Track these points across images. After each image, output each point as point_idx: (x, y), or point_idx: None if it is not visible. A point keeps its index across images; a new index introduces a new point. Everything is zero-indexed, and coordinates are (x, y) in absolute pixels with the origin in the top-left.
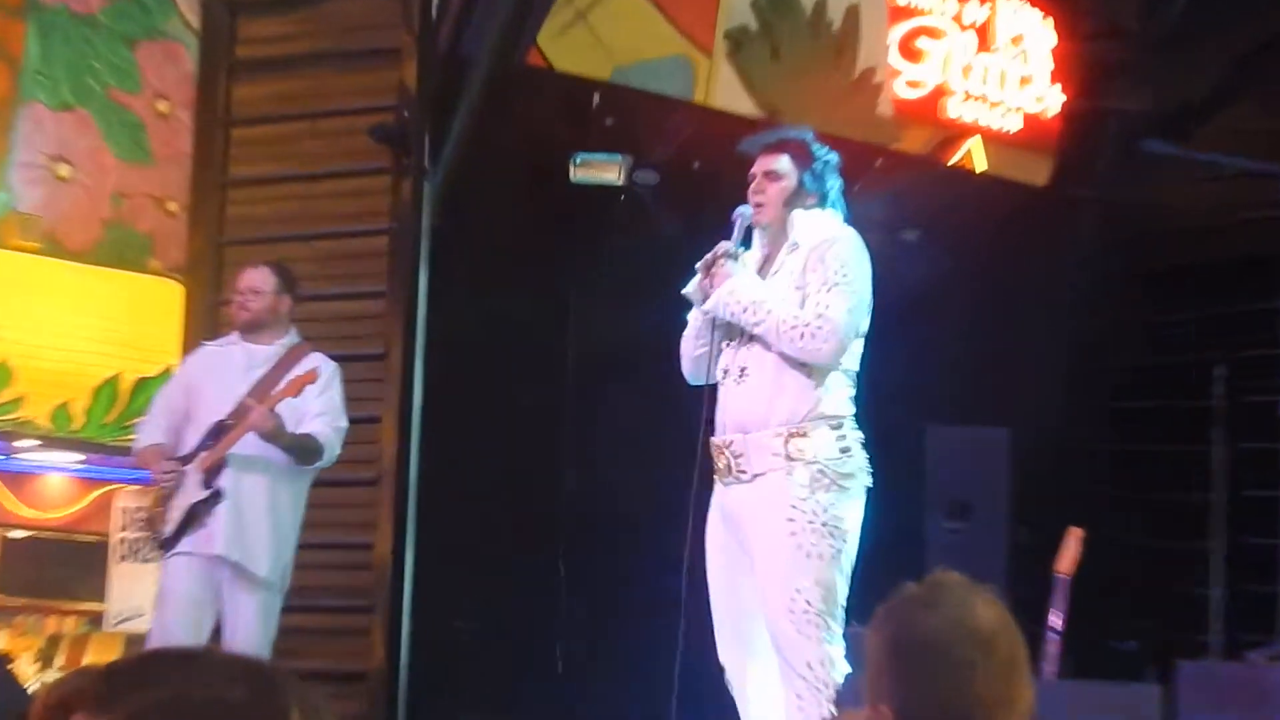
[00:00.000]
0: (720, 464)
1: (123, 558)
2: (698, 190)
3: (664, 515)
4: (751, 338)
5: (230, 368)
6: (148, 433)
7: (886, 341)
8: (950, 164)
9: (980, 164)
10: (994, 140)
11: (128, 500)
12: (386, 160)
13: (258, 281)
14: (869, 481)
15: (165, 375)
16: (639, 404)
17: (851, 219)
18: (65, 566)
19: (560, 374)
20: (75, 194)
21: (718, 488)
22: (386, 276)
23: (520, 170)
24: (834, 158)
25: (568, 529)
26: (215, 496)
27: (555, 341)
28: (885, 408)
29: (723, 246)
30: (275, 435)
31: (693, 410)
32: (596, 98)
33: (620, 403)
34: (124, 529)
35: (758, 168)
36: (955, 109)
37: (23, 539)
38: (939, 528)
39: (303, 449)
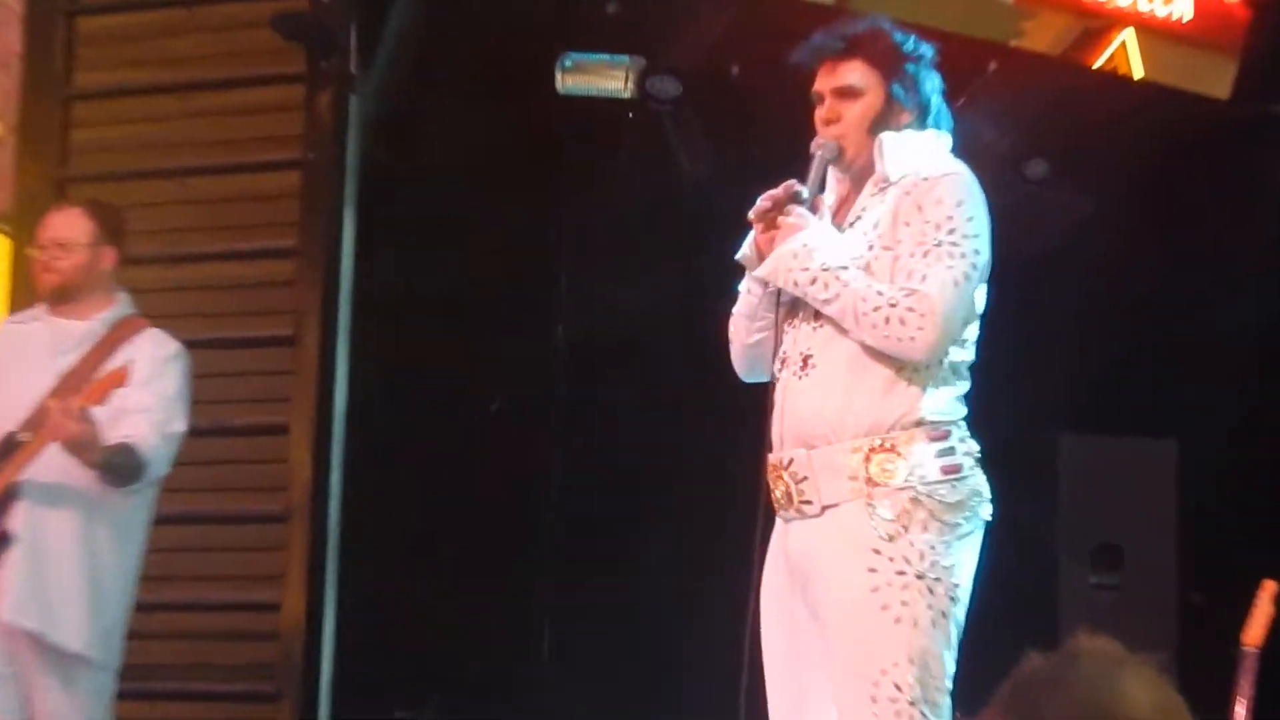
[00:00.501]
0: (778, 491)
1: None
2: (736, 106)
3: (687, 562)
4: (819, 314)
5: (30, 354)
6: None
7: (1001, 318)
8: (1094, 67)
9: (1136, 68)
10: (1155, 34)
11: None
12: (297, 64)
13: (66, 229)
14: (988, 514)
15: None
16: (652, 407)
17: (957, 145)
18: None
19: (543, 365)
20: None
21: (778, 525)
22: (298, 229)
23: (486, 77)
24: (928, 51)
25: (551, 580)
26: (3, 542)
27: (536, 320)
28: (999, 410)
29: (789, 186)
30: (83, 447)
31: (732, 417)
32: None
33: (625, 405)
34: None
35: (823, 84)
36: None
37: None
38: (1078, 579)
39: (117, 468)
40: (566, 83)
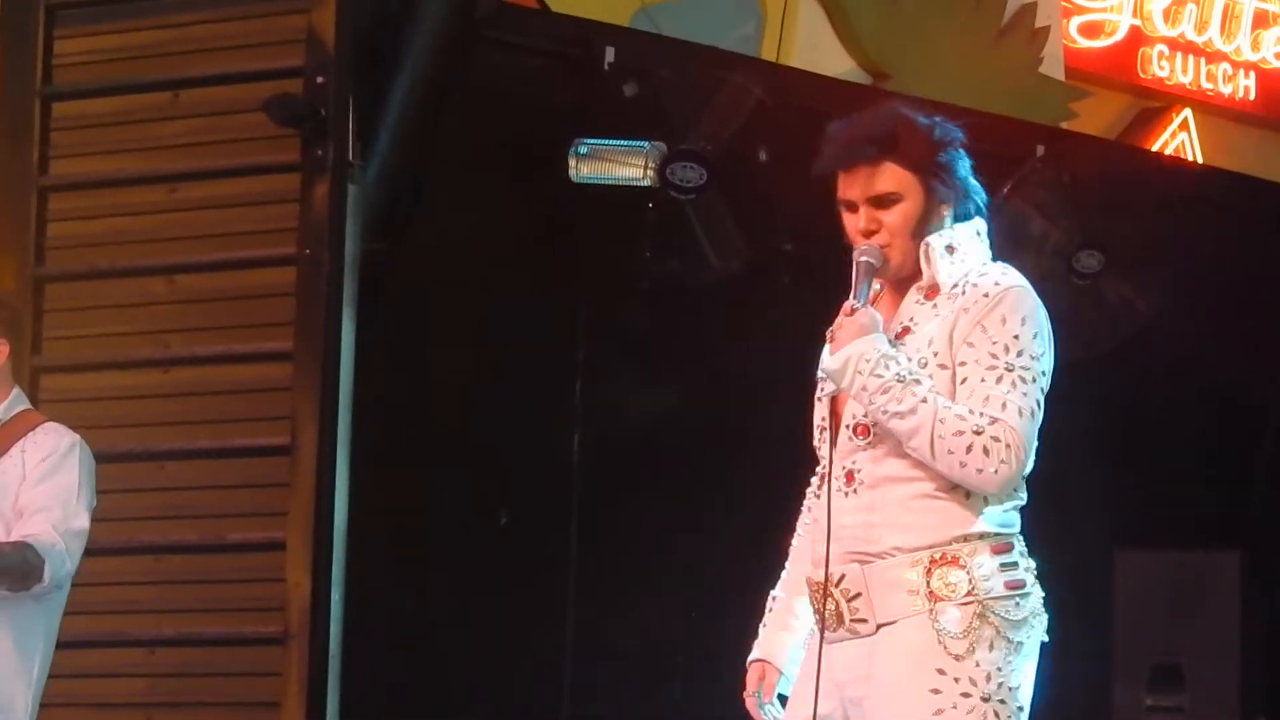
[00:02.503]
0: (827, 610)
1: None
2: (766, 194)
3: (705, 665)
4: (859, 428)
5: None
6: None
7: (1051, 422)
8: (1152, 150)
9: (1195, 149)
10: (1217, 114)
11: None
12: (291, 151)
13: None
14: (1044, 632)
15: None
16: (685, 526)
17: (1003, 236)
18: None
19: (561, 481)
20: None
21: (812, 648)
22: (294, 329)
23: (495, 165)
24: (958, 134)
25: (569, 707)
26: None
27: (553, 430)
28: (1051, 521)
29: (848, 305)
30: None
31: (758, 525)
32: (611, 53)
33: (647, 515)
34: None
35: (852, 191)
36: (1158, 65)
37: None
38: (1134, 701)
39: (11, 569)
40: (581, 171)
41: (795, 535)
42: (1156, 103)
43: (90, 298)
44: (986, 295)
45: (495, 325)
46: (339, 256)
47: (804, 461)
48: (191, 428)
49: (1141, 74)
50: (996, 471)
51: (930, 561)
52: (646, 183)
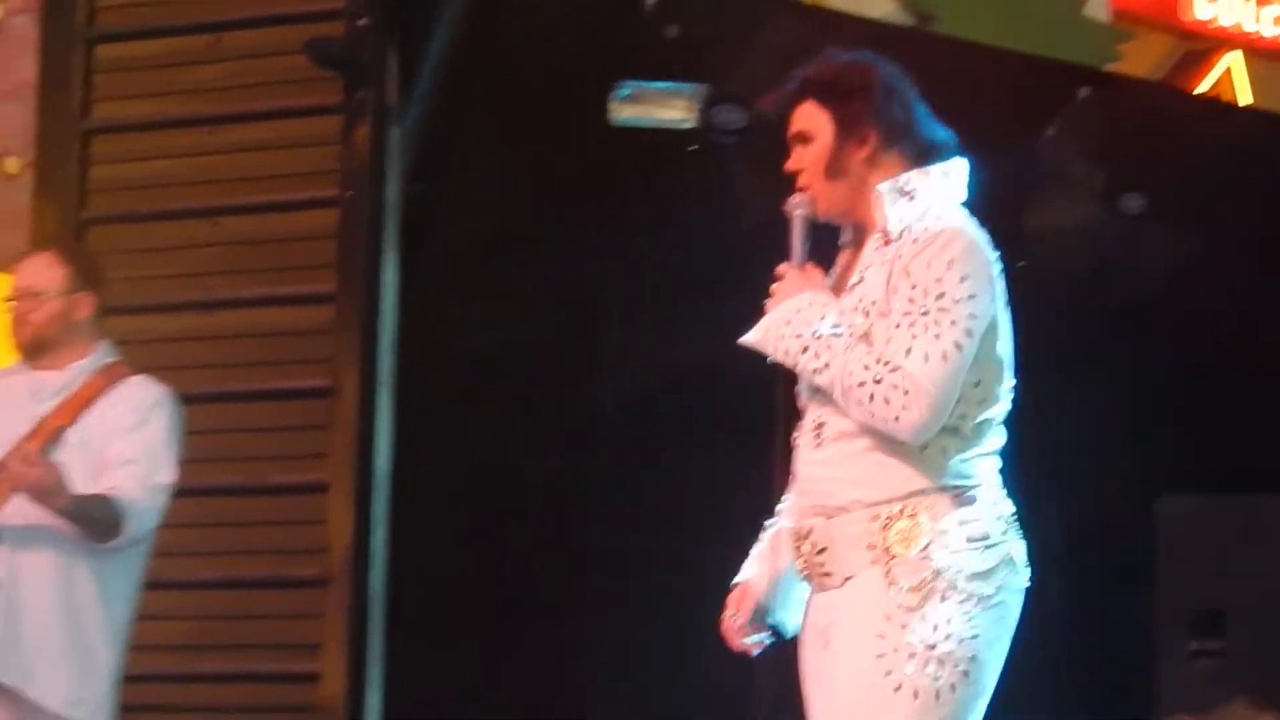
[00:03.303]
0: (800, 563)
1: None
2: None
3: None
4: None
5: (9, 406)
6: None
7: (1092, 367)
8: (1196, 93)
9: (1243, 93)
10: (1264, 56)
11: None
12: (332, 94)
13: (37, 277)
14: (1024, 582)
15: None
16: (708, 469)
17: (1036, 177)
18: None
19: (590, 422)
20: None
21: (808, 593)
22: (335, 272)
23: (535, 107)
24: (885, 66)
25: (605, 651)
26: None
27: (584, 372)
28: (1088, 468)
29: (779, 269)
30: (47, 494)
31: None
32: None
33: (677, 469)
34: None
35: (788, 132)
36: (1203, 7)
37: None
38: (1178, 649)
39: (91, 520)
40: (623, 113)
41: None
42: (1202, 45)
43: (132, 241)
44: (916, 240)
45: (535, 267)
46: (380, 199)
47: None
48: (233, 370)
49: (1187, 16)
50: (899, 419)
51: (888, 516)
52: (689, 125)
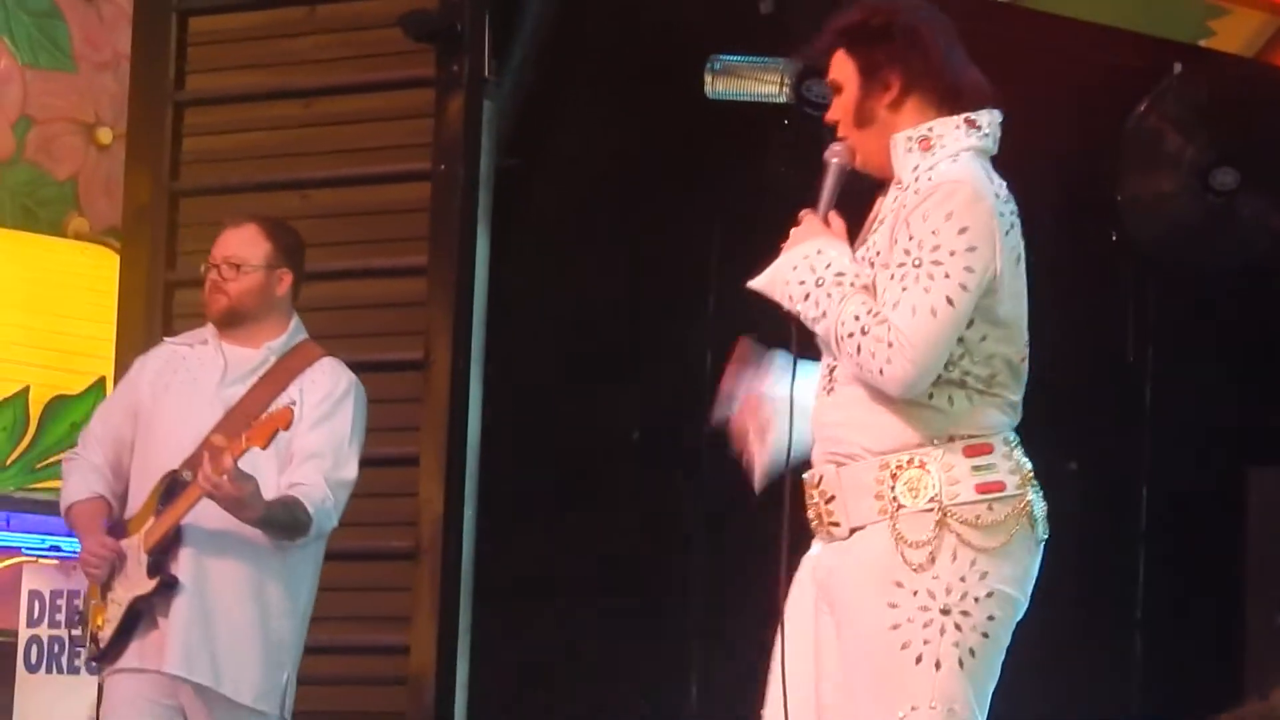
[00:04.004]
0: (811, 512)
1: (35, 667)
2: None
3: None
4: None
5: (198, 381)
6: (79, 477)
7: (1183, 337)
8: None
9: None
10: None
11: (41, 580)
12: (426, 67)
13: (239, 248)
14: (1042, 534)
15: (97, 391)
16: None
17: (1129, 153)
18: None
19: (694, 398)
20: None
21: (814, 546)
22: (428, 245)
23: (630, 81)
24: (907, 13)
25: (696, 618)
26: (167, 587)
27: (689, 342)
28: (1177, 440)
29: (802, 214)
30: (239, 506)
31: None
32: None
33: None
34: (37, 623)
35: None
36: None
37: None
38: (1268, 623)
39: (280, 525)
40: (716, 87)
41: None
42: None
43: (224, 213)
44: (917, 191)
45: (629, 241)
46: (473, 172)
47: None
48: (325, 342)
49: None
50: (883, 372)
51: (897, 465)
52: (782, 99)
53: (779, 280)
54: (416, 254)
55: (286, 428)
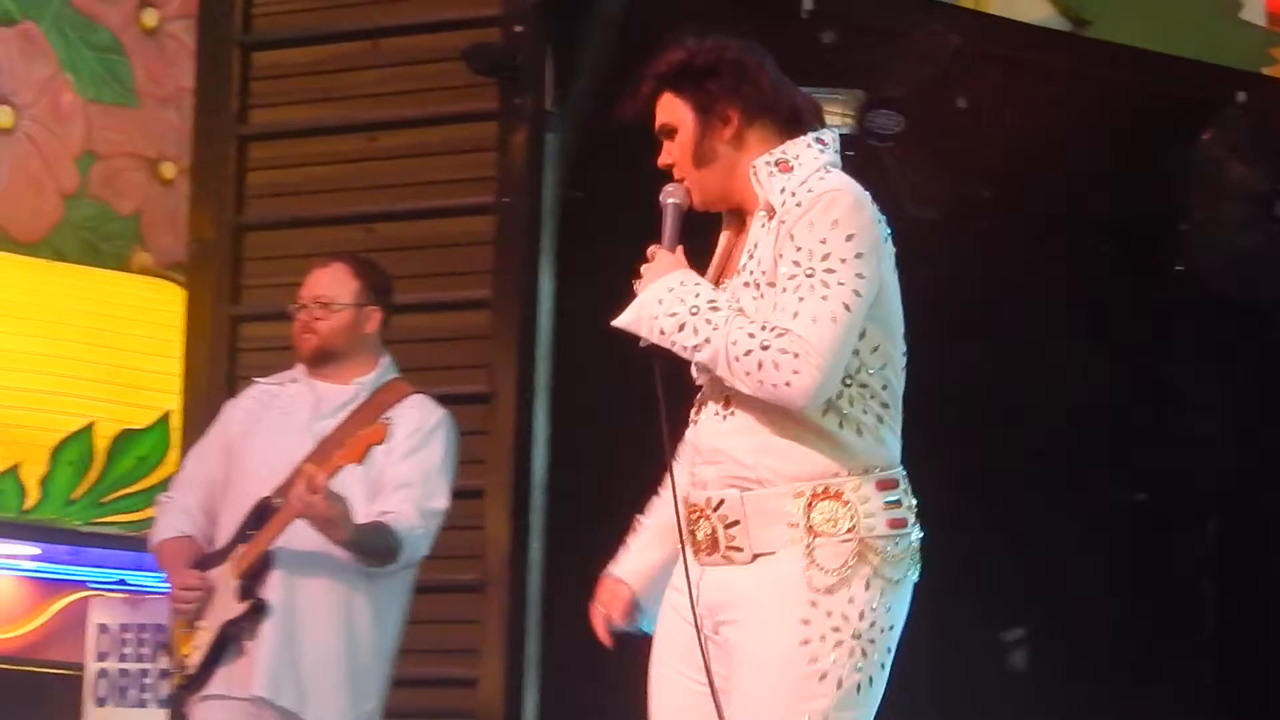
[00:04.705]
0: (700, 534)
1: (103, 700)
2: (964, 142)
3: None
4: None
5: (289, 419)
6: (169, 519)
7: (1248, 367)
8: None
9: None
10: None
11: (108, 613)
12: (489, 100)
13: (328, 287)
14: (917, 574)
15: (162, 426)
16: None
17: (1192, 181)
18: (14, 712)
19: None
20: (20, 153)
21: (684, 567)
22: (491, 278)
23: None
24: (736, 48)
25: None
26: (257, 611)
27: None
28: (1243, 468)
29: (650, 250)
30: (330, 524)
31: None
32: (809, 0)
33: None
34: (105, 657)
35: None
36: None
37: None
38: None
39: (370, 549)
40: None
41: (676, 459)
42: None
43: (289, 247)
44: (800, 204)
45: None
46: (537, 205)
47: (996, 411)
48: None
49: None
50: (790, 384)
51: (812, 494)
52: (845, 130)
53: (645, 316)
54: (480, 287)
55: (380, 442)
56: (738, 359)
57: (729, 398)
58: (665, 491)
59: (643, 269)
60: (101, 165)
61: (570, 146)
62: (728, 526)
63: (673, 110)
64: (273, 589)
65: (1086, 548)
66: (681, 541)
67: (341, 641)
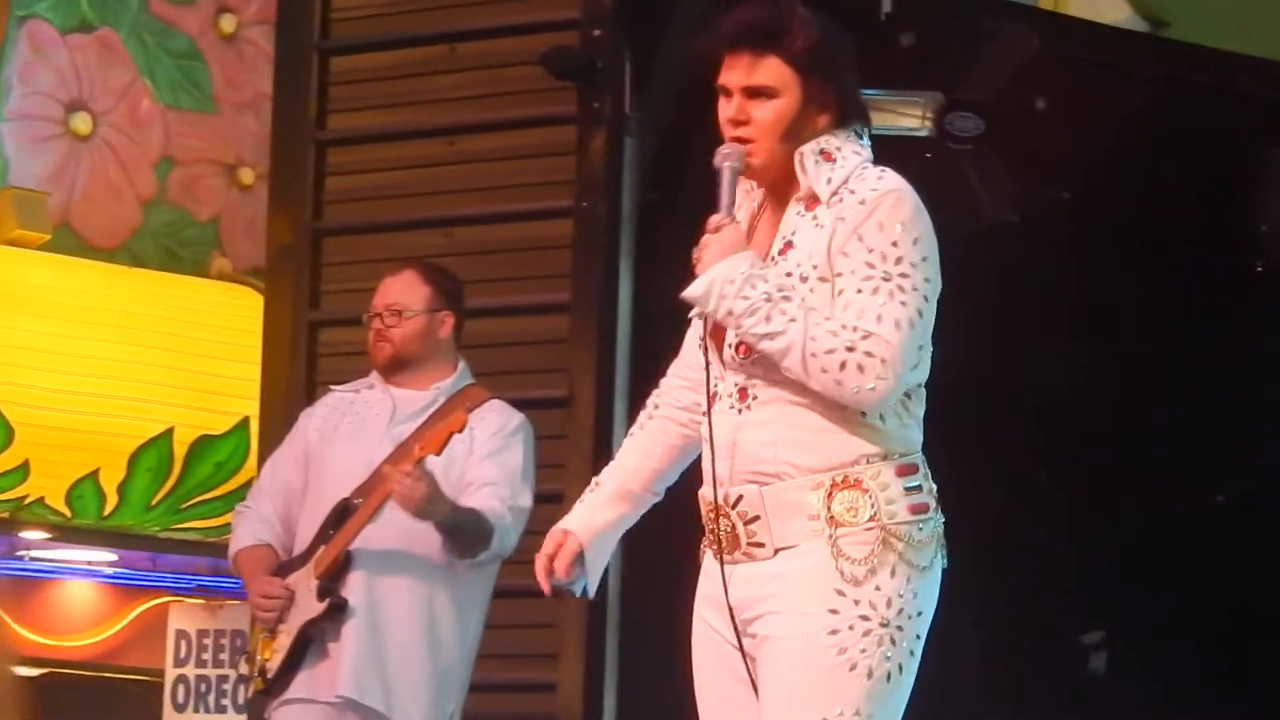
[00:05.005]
0: (721, 532)
1: (182, 706)
2: (1043, 144)
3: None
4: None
5: (366, 424)
6: (247, 527)
7: None
8: None
9: None
10: None
11: (187, 619)
12: (568, 104)
13: (401, 295)
14: (944, 560)
15: (241, 431)
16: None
17: (1274, 182)
18: (94, 718)
19: None
20: (100, 160)
21: (708, 571)
22: (570, 281)
23: None
24: (849, 45)
25: None
26: (337, 611)
27: None
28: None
29: (713, 221)
30: (428, 506)
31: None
32: (888, 2)
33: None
34: (183, 663)
35: (731, 78)
36: None
37: (31, 678)
38: None
39: (464, 531)
40: None
41: (636, 427)
42: None
43: (367, 251)
44: (863, 202)
45: None
46: (616, 208)
47: (1079, 414)
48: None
49: None
50: (874, 389)
51: (831, 484)
52: (924, 133)
53: (715, 293)
54: (559, 291)
55: (461, 429)
56: (815, 355)
57: (744, 391)
58: (624, 457)
59: (707, 239)
60: (180, 171)
61: (649, 149)
62: (747, 523)
63: (779, 77)
64: (354, 589)
65: (1183, 549)
66: (713, 545)
67: (425, 640)
